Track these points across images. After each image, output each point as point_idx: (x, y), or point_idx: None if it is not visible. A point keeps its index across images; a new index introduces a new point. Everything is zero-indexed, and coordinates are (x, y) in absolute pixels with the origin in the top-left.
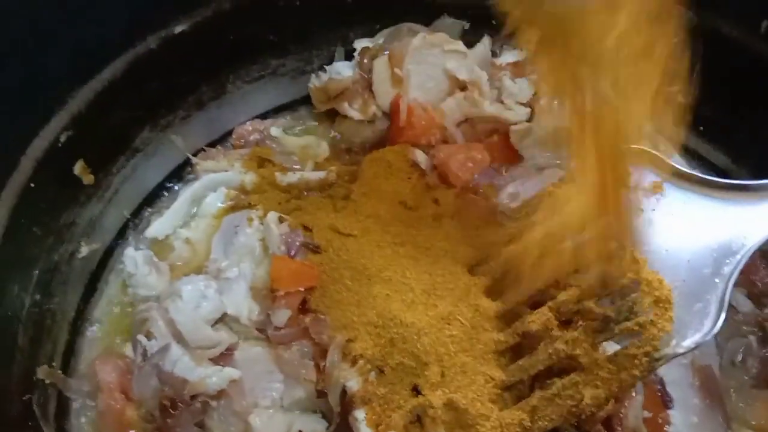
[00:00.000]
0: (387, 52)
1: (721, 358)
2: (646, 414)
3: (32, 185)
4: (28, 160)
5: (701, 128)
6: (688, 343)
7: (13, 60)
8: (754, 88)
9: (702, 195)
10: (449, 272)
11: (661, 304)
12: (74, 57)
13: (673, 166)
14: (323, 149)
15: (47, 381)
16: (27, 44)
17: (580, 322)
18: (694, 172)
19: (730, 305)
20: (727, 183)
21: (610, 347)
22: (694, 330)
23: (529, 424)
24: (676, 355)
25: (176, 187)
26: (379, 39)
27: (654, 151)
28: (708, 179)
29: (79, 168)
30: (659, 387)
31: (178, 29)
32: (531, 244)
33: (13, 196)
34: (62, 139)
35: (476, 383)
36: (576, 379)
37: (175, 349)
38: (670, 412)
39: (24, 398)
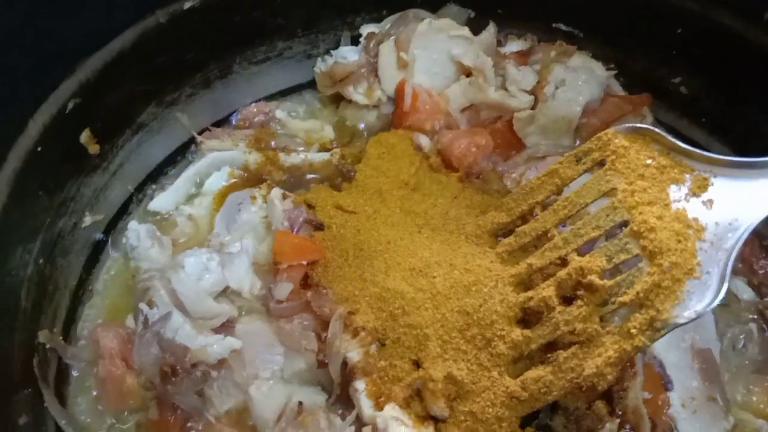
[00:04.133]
0: (393, 37)
1: (722, 343)
2: (646, 395)
3: (39, 149)
4: (35, 124)
5: (703, 119)
6: (690, 313)
7: (26, 26)
8: (755, 80)
9: (705, 171)
10: (451, 249)
11: (665, 275)
12: (84, 26)
13: (674, 142)
14: (327, 133)
15: (48, 345)
16: (40, 11)
17: (583, 295)
18: (696, 149)
19: (732, 293)
20: (731, 160)
21: (613, 318)
22: (696, 301)
23: (529, 395)
24: (677, 325)
25: (180, 165)
26: (386, 25)
27: (657, 129)
28: (711, 156)
29: (85, 137)
30: (659, 369)
31: (188, 5)
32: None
33: (20, 159)
34: (70, 106)
35: (477, 357)
36: (577, 351)
37: (177, 317)
38: (669, 394)
39: (25, 361)
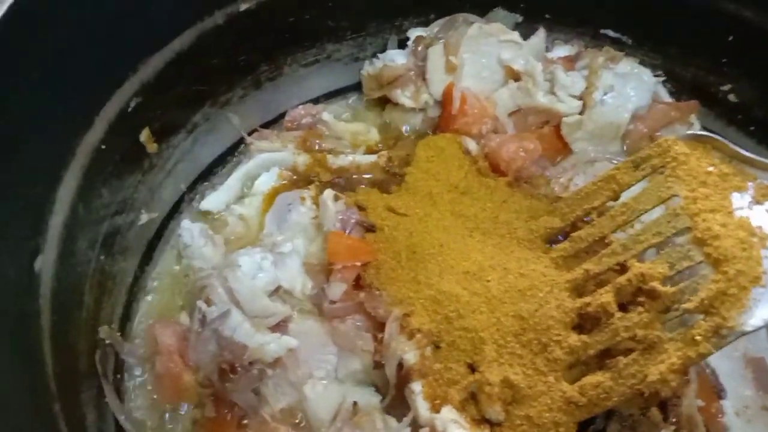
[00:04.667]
0: (442, 41)
1: None
2: (700, 403)
3: (103, 147)
4: (100, 121)
5: (751, 128)
6: (756, 321)
7: (94, 26)
8: None
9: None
10: (504, 253)
11: (730, 282)
12: (148, 26)
13: (737, 150)
14: (373, 135)
15: (107, 341)
16: (107, 12)
17: (644, 301)
18: (759, 158)
19: None
20: None
21: (676, 325)
22: (762, 309)
23: (587, 400)
24: (743, 333)
25: (230, 165)
26: (434, 28)
27: (717, 137)
28: None
29: (144, 135)
30: (712, 377)
31: (244, 7)
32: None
33: (87, 155)
34: (132, 104)
35: (533, 361)
36: (638, 357)
37: (236, 315)
38: (722, 402)
39: (90, 356)
